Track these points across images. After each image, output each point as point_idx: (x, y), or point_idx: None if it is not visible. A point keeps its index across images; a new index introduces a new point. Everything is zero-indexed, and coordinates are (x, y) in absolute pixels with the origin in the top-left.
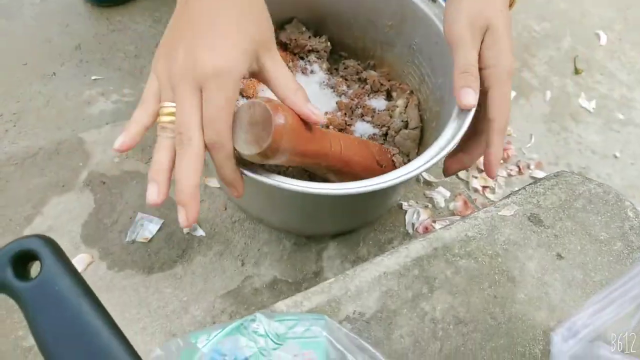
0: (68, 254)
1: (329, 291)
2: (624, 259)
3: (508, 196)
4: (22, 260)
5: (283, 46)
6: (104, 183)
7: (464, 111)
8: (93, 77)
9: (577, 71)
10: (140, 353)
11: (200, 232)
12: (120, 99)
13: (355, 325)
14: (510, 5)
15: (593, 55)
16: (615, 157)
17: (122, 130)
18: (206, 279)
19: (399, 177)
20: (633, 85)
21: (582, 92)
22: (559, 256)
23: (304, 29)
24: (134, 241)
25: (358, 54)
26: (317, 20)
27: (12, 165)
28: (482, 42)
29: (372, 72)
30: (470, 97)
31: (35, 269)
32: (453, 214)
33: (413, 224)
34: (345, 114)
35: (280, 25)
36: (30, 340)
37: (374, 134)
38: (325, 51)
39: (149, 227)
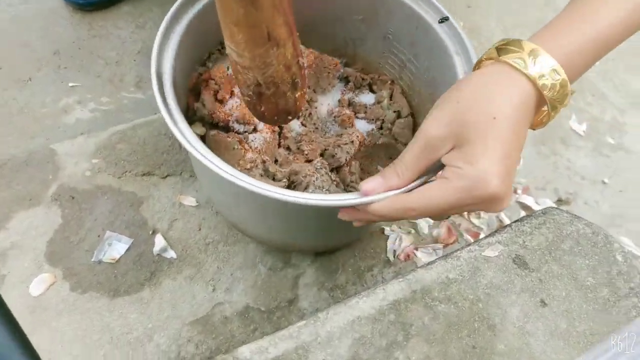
0: (30, 273)
1: (297, 336)
2: (609, 308)
3: (493, 234)
4: None
5: None
6: (73, 198)
7: None
8: (71, 84)
9: None
10: None
11: (171, 254)
12: (98, 107)
13: None
14: (545, 121)
15: (585, 76)
16: (604, 183)
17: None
18: (174, 305)
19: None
20: (625, 108)
21: (573, 114)
22: (543, 303)
23: None
24: (100, 261)
25: (329, 55)
26: None
27: None
28: (456, 146)
29: (349, 69)
30: (369, 184)
31: None
32: (436, 241)
33: (394, 251)
34: (350, 108)
35: None
36: None
37: (372, 130)
38: None
39: (117, 247)
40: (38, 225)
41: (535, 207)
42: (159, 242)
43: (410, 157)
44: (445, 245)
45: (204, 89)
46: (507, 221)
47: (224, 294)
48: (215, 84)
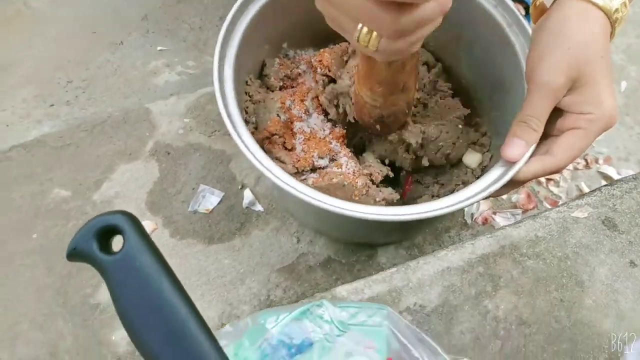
0: None
1: (390, 281)
2: None
3: (582, 196)
4: (106, 234)
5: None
6: (168, 153)
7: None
8: (159, 48)
9: None
10: None
11: (258, 207)
12: (185, 70)
13: (415, 317)
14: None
15: None
16: None
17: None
18: (263, 253)
19: (422, 212)
20: None
21: None
22: (632, 264)
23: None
24: (195, 211)
25: None
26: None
27: (82, 131)
28: (573, 91)
29: None
30: (515, 150)
31: (117, 243)
32: (515, 207)
33: (472, 214)
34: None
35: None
36: (98, 298)
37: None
38: None
39: (210, 199)
40: (138, 177)
41: (616, 177)
42: (248, 196)
43: (540, 109)
44: (525, 211)
45: (271, 146)
46: (586, 190)
47: (308, 246)
48: (279, 137)
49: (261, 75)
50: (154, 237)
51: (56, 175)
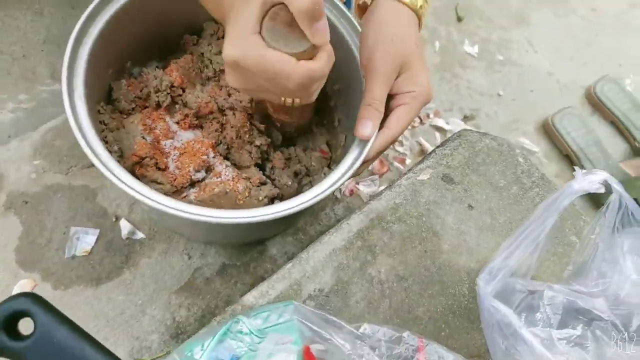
0: (7, 282)
1: (289, 276)
2: (520, 200)
3: (423, 161)
4: (12, 321)
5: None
6: (26, 202)
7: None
8: None
9: (459, 19)
10: None
11: (140, 235)
12: (18, 107)
13: (317, 301)
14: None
15: (472, 2)
16: (499, 95)
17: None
18: (156, 279)
19: (306, 201)
20: (509, 26)
21: (466, 39)
22: (470, 207)
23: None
24: (74, 256)
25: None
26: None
27: None
28: (399, 76)
29: None
30: (367, 129)
31: (23, 324)
32: (372, 174)
33: (340, 189)
34: None
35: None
36: None
37: None
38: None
39: (86, 239)
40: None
41: (446, 127)
42: (125, 226)
43: (379, 93)
44: (381, 175)
45: (143, 170)
46: (425, 144)
47: (200, 259)
48: (150, 159)
49: (111, 101)
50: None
51: None
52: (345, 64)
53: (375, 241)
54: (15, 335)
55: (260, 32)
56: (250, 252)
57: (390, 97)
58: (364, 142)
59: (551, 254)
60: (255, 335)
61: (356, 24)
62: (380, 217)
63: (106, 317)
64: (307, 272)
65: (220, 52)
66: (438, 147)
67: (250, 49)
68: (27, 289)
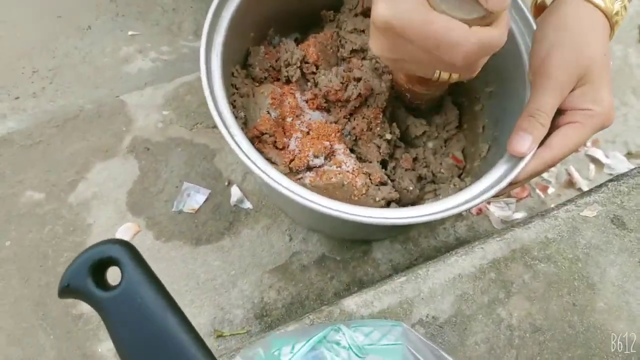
0: (114, 222)
1: (400, 292)
2: None
3: (589, 193)
4: (101, 266)
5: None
6: (148, 149)
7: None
8: (130, 33)
9: None
10: None
11: (247, 205)
12: (159, 57)
13: (428, 329)
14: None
15: None
16: None
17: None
18: (254, 253)
19: (434, 213)
20: None
21: None
22: None
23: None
24: (180, 211)
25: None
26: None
27: (52, 127)
28: (575, 89)
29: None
30: (523, 144)
31: (112, 274)
32: (508, 196)
33: None
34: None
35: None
36: (80, 309)
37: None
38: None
39: (196, 198)
40: (116, 176)
41: (605, 161)
42: (235, 193)
43: (548, 104)
44: (519, 200)
45: (261, 145)
46: (575, 175)
47: (301, 244)
48: (270, 136)
49: (246, 65)
50: (137, 240)
51: (27, 177)
52: (506, 64)
53: (513, 277)
54: (101, 282)
55: None
56: (353, 249)
57: (559, 111)
58: (516, 159)
59: None
60: (355, 353)
61: (531, 20)
62: (525, 250)
63: (197, 280)
64: (422, 293)
65: (355, 30)
66: (612, 180)
67: (411, 10)
68: (131, 232)
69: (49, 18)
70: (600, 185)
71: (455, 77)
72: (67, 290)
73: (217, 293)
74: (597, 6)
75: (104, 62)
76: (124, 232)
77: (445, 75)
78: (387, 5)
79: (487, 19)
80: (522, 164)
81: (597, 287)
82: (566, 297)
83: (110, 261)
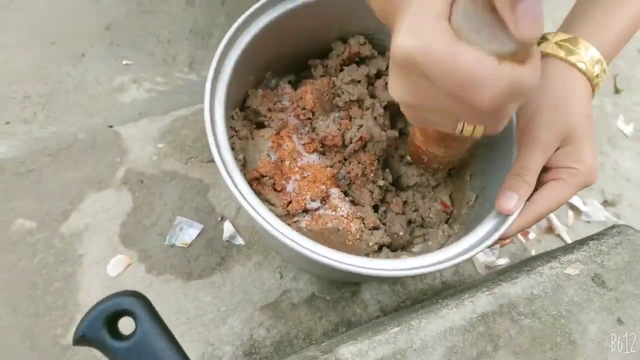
0: (106, 254)
1: (394, 342)
2: None
3: (572, 251)
4: (115, 317)
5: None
6: (142, 182)
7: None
8: (124, 62)
9: (616, 90)
10: None
11: (239, 241)
12: (153, 87)
13: None
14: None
15: (634, 74)
16: None
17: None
18: (245, 290)
19: (427, 265)
20: None
21: (621, 114)
22: (620, 321)
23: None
24: (173, 245)
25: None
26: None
27: (46, 156)
28: (559, 148)
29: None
30: (511, 203)
31: (124, 324)
32: None
33: None
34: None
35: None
36: (69, 338)
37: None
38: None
39: (188, 232)
40: (109, 208)
41: (582, 208)
42: (228, 229)
43: (534, 163)
44: (502, 245)
45: (260, 187)
46: (555, 221)
47: (291, 282)
48: (270, 178)
49: (243, 107)
50: (129, 273)
51: (19, 205)
52: None
53: (500, 332)
54: (115, 332)
55: (449, 19)
56: (343, 289)
57: (544, 169)
58: (504, 215)
59: None
60: None
61: None
62: (512, 306)
63: (188, 315)
64: (414, 344)
65: (352, 81)
66: (592, 239)
67: (436, 41)
68: (123, 265)
69: (42, 44)
70: (582, 244)
71: (479, 130)
72: (83, 340)
73: (207, 329)
74: (579, 69)
75: (97, 90)
76: (116, 264)
77: (469, 128)
78: (409, 36)
79: (518, 55)
80: (509, 221)
81: (577, 343)
82: (549, 353)
83: (124, 312)
